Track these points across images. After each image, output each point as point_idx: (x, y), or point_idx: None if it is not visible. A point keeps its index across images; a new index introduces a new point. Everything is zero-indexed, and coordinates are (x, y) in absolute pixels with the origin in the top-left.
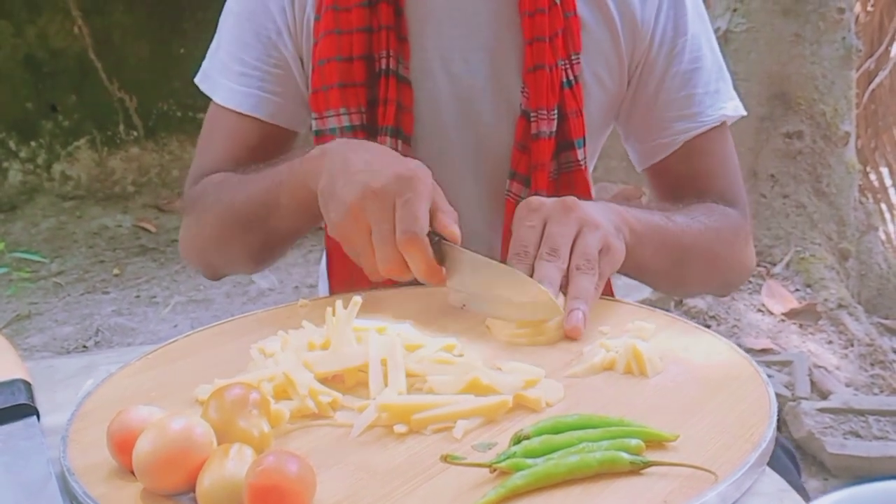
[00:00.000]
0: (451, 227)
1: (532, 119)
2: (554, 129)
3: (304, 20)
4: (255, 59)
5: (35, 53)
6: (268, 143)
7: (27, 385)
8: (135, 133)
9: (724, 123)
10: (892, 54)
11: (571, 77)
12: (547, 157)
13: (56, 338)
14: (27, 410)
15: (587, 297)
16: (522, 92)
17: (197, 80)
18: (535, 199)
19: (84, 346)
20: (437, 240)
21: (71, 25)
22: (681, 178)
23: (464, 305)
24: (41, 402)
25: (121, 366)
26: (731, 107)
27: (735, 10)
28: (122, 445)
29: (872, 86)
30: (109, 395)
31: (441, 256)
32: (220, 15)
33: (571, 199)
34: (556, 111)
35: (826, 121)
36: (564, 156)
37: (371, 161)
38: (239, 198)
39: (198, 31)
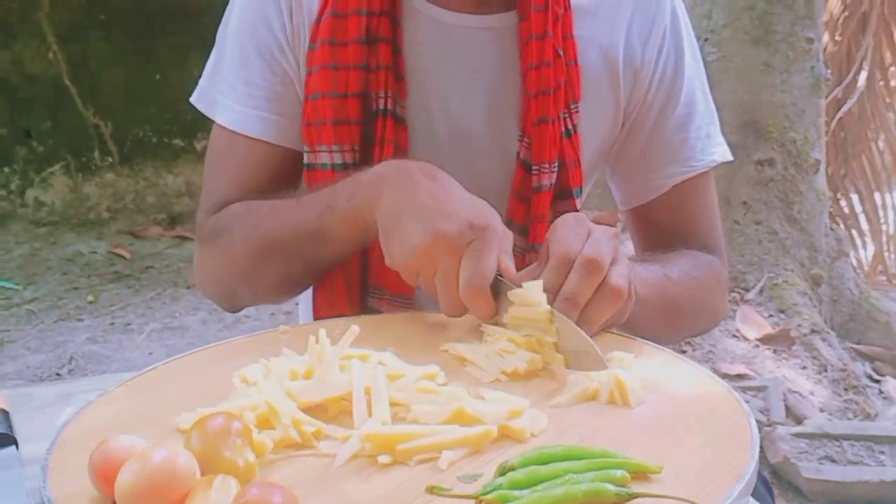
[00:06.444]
0: (514, 272)
1: (534, 172)
2: (553, 181)
3: (302, 41)
4: (261, 77)
5: (9, 79)
6: (281, 166)
7: (5, 414)
8: (109, 159)
9: (710, 168)
10: (859, 83)
11: (570, 127)
12: (546, 208)
13: (29, 366)
14: (6, 440)
15: (593, 324)
16: (521, 140)
17: (193, 99)
18: (580, 215)
19: (57, 374)
20: (497, 277)
21: (46, 51)
22: (666, 221)
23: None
24: (17, 432)
25: (99, 394)
26: (720, 152)
27: (706, 40)
28: (105, 475)
29: (840, 114)
30: (89, 423)
31: (496, 292)
32: (200, 39)
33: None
34: (556, 163)
35: (797, 148)
36: (562, 205)
37: (440, 197)
38: (279, 227)
39: (173, 58)
